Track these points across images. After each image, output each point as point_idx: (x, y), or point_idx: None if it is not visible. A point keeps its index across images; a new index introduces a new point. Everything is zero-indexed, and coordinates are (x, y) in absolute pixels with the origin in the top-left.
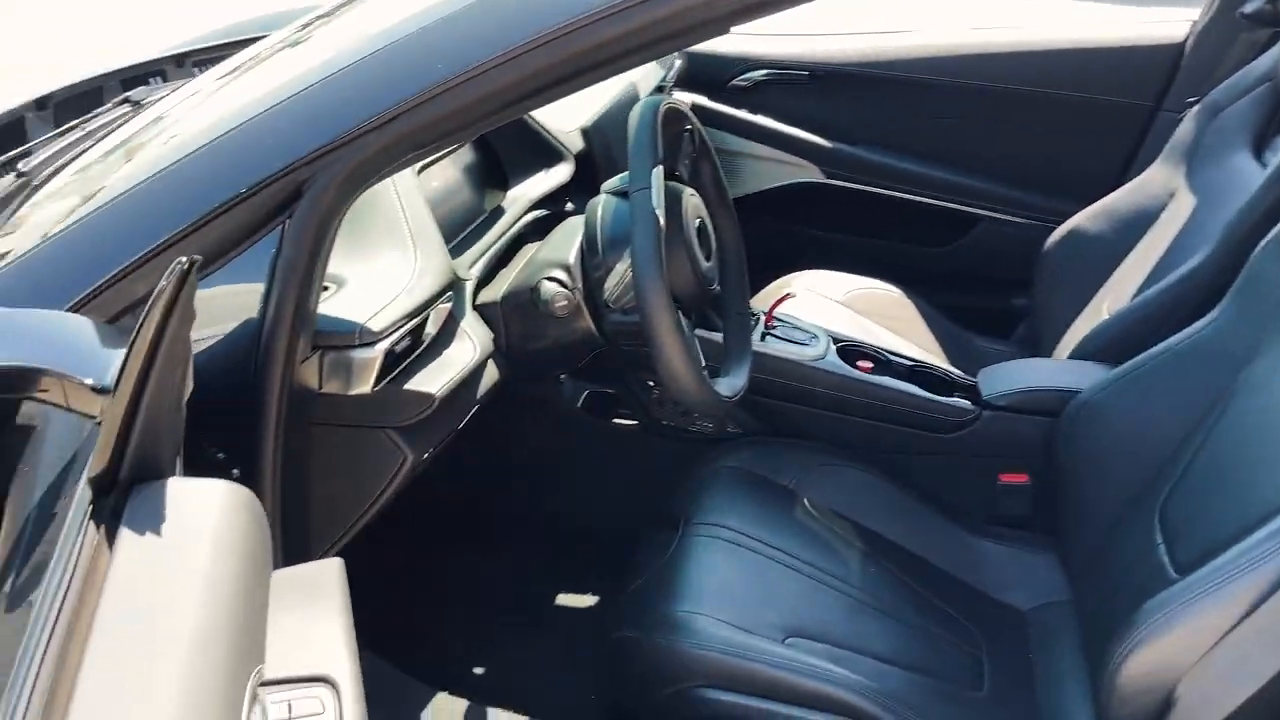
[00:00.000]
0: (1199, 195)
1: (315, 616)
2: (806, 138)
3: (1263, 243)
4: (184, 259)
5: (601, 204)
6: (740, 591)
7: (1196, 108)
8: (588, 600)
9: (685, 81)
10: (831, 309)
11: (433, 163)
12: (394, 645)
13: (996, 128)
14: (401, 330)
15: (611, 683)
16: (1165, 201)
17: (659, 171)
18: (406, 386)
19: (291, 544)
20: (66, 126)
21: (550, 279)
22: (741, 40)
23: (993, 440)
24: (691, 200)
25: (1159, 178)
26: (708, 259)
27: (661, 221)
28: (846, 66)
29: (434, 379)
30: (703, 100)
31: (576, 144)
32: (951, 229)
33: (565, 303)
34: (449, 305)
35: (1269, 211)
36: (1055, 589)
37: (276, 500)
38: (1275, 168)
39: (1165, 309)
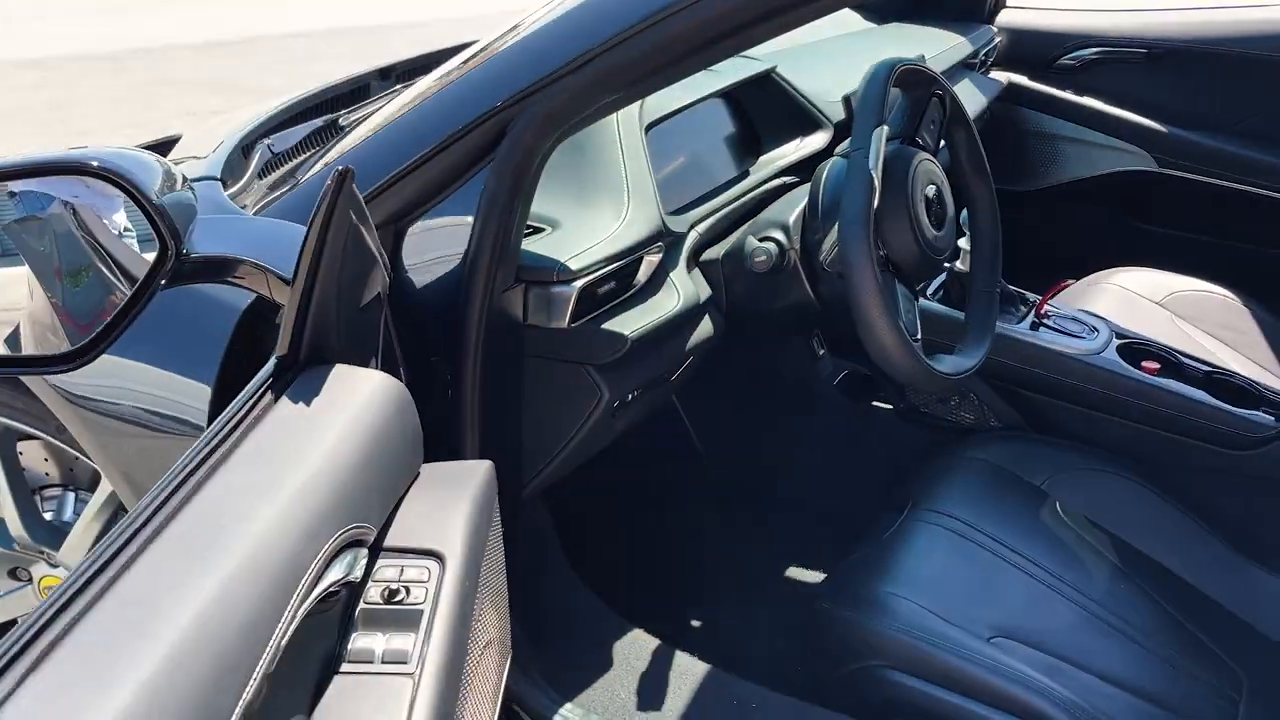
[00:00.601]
0: None
1: (447, 503)
2: (1139, 121)
3: None
4: (340, 168)
5: (828, 166)
6: (952, 582)
7: None
8: (813, 574)
9: (1005, 59)
10: (1146, 309)
11: (672, 120)
12: (615, 588)
13: None
14: (600, 272)
15: (807, 652)
16: None
17: (880, 132)
18: (604, 326)
19: (503, 462)
20: (388, 91)
21: (766, 238)
22: (1071, 16)
23: None
24: (924, 165)
25: None
26: (939, 228)
27: (877, 183)
28: (1192, 43)
29: (630, 323)
30: (1022, 80)
31: (838, 113)
32: None
33: (764, 258)
34: (659, 256)
35: None
36: None
37: (474, 409)
38: None
39: None
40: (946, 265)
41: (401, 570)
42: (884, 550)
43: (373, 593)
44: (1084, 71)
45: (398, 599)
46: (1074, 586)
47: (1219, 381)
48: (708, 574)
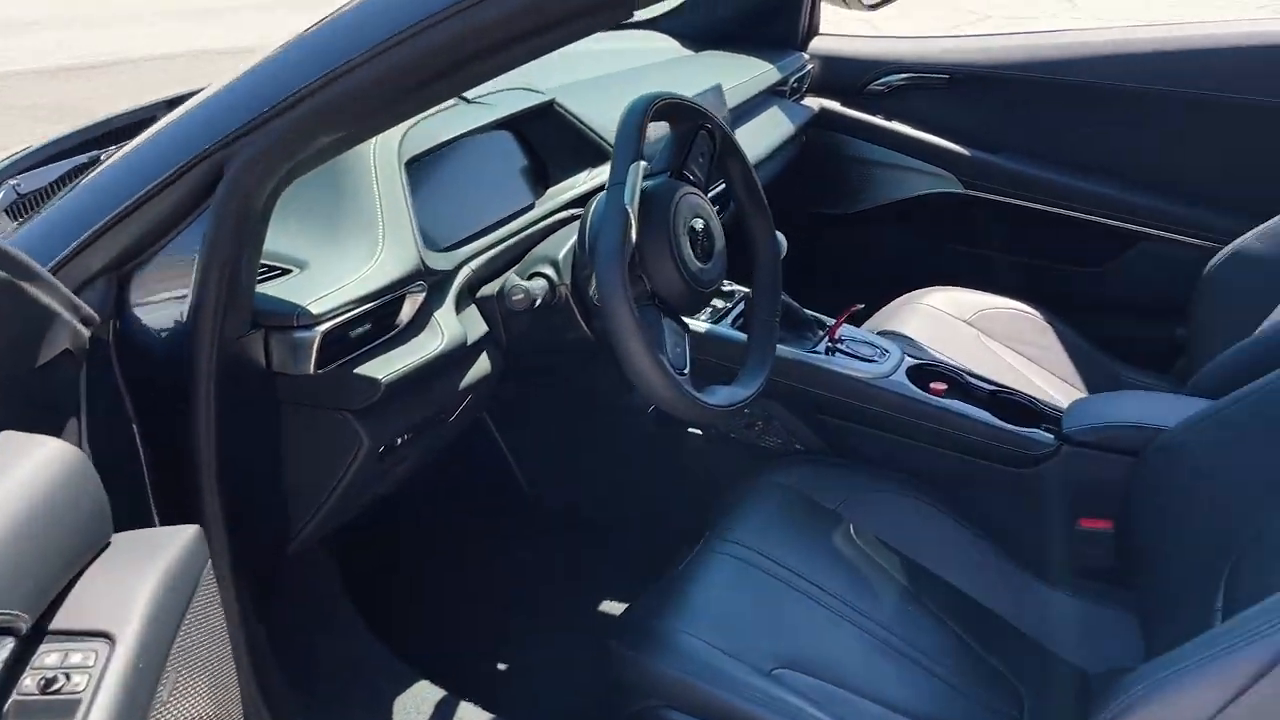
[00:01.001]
0: None
1: (129, 576)
2: (944, 145)
3: None
4: None
5: (595, 202)
6: (738, 615)
7: None
8: (620, 608)
9: (818, 86)
10: (954, 327)
11: (440, 154)
12: (408, 636)
13: (1162, 136)
14: (348, 315)
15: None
16: None
17: (636, 167)
18: (356, 370)
19: (262, 517)
20: None
21: (534, 274)
22: (880, 43)
23: (1073, 479)
24: (688, 199)
25: None
26: (705, 260)
27: (634, 218)
28: (991, 68)
29: (386, 366)
30: (834, 105)
31: None
32: (1105, 248)
33: (521, 296)
34: (422, 295)
35: None
36: (1129, 652)
37: (211, 465)
38: None
39: None
40: (746, 292)
41: (65, 655)
42: (674, 584)
43: (28, 683)
44: (892, 96)
45: (55, 688)
46: (861, 611)
47: (1003, 400)
48: (513, 613)
